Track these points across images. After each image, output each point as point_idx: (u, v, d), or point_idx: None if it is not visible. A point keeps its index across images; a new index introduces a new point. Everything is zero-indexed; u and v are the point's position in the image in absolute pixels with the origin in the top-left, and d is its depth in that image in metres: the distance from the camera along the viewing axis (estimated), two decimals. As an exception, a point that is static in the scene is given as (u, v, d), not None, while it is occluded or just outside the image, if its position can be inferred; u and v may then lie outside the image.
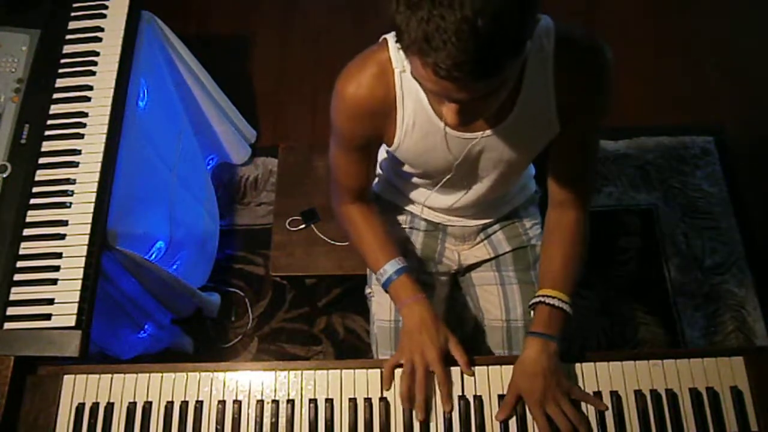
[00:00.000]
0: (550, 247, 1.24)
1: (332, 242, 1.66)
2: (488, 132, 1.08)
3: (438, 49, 0.77)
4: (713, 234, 2.15)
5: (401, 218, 1.45)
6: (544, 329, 1.14)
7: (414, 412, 1.13)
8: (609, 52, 1.05)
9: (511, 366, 1.16)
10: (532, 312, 1.21)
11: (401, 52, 1.03)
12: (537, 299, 1.18)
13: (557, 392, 1.11)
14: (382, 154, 1.38)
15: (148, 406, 1.16)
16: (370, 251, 1.27)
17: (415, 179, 1.29)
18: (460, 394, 1.15)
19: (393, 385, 1.17)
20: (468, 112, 0.91)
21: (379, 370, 1.17)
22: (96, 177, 1.33)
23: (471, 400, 1.15)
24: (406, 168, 1.23)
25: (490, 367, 1.17)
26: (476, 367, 1.17)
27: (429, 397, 1.14)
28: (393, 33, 1.04)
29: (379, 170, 1.44)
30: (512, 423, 1.13)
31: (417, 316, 1.18)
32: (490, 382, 1.16)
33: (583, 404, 1.14)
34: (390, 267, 1.22)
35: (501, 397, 1.14)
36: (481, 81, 0.82)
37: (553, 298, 1.16)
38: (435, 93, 0.88)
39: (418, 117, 1.08)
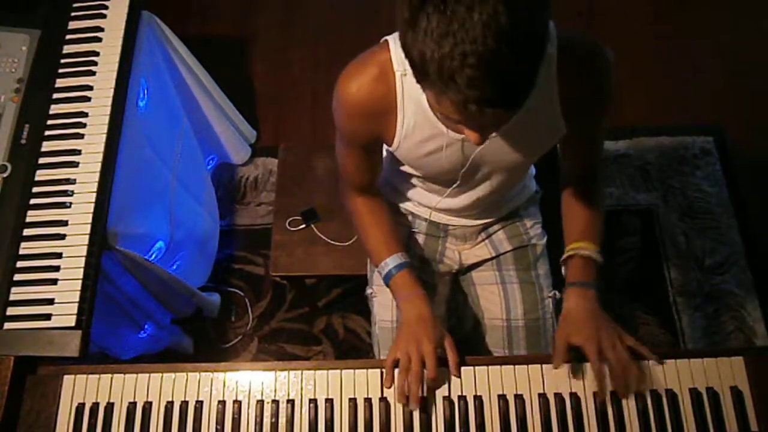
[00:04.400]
0: (571, 211, 1.27)
1: (332, 242, 1.66)
2: (492, 135, 1.08)
3: (468, 88, 0.76)
4: (713, 234, 2.15)
5: (402, 219, 1.45)
6: (580, 278, 1.19)
7: (410, 405, 1.13)
8: (609, 55, 1.06)
9: (512, 366, 1.16)
10: (563, 268, 1.24)
11: (400, 56, 1.02)
12: (568, 253, 1.22)
13: (612, 334, 1.14)
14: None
15: (148, 406, 1.16)
16: (373, 244, 1.28)
17: (414, 180, 1.30)
18: (460, 394, 1.15)
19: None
20: (490, 129, 0.92)
21: (379, 370, 1.17)
22: (96, 177, 1.33)
23: (471, 400, 1.15)
24: (406, 168, 1.23)
25: (490, 367, 1.17)
26: (476, 367, 1.17)
27: (445, 399, 1.14)
28: (394, 35, 1.05)
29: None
30: (512, 423, 1.13)
31: (415, 310, 1.19)
32: (490, 382, 1.16)
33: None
34: (391, 261, 1.24)
35: (501, 397, 1.14)
36: (513, 110, 0.82)
37: (584, 249, 1.20)
38: (461, 123, 0.87)
39: (419, 120, 1.08)
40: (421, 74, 0.81)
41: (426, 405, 1.14)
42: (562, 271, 1.25)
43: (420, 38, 0.77)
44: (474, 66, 0.75)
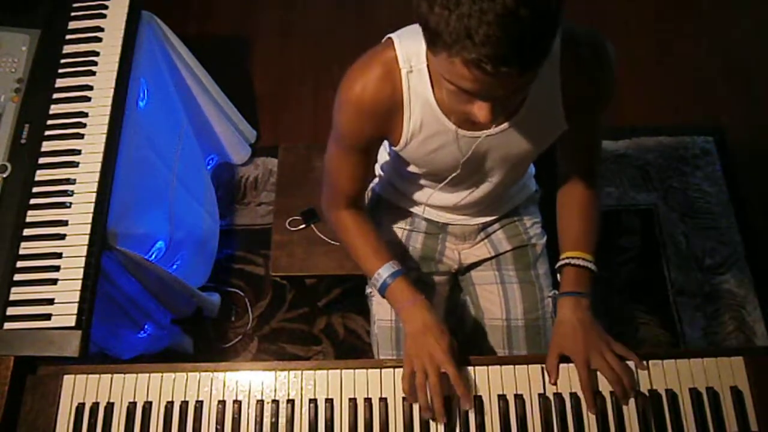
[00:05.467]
0: (566, 214, 1.27)
1: (332, 242, 1.66)
2: (496, 129, 1.08)
3: (483, 45, 0.76)
4: (713, 234, 2.15)
5: (402, 219, 1.45)
6: (574, 288, 1.19)
7: (438, 419, 1.11)
8: (611, 48, 1.07)
9: (512, 366, 1.16)
10: (558, 276, 1.24)
11: (405, 53, 1.03)
12: (562, 262, 1.22)
13: (600, 343, 1.14)
14: (382, 156, 1.38)
15: (148, 406, 1.16)
16: (364, 257, 1.26)
17: (419, 179, 1.29)
18: (460, 394, 1.15)
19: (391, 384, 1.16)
20: (498, 107, 0.91)
21: (379, 370, 1.17)
22: (96, 177, 1.33)
23: (471, 400, 1.14)
24: (411, 168, 1.22)
25: (490, 367, 1.17)
26: (476, 367, 1.17)
27: (446, 399, 1.13)
28: (398, 32, 1.05)
29: (380, 171, 1.44)
30: (512, 423, 1.13)
31: (419, 319, 1.16)
32: (490, 382, 1.16)
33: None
34: (384, 271, 1.21)
35: (501, 397, 1.14)
36: (526, 73, 0.81)
37: (578, 258, 1.21)
38: (473, 92, 0.86)
39: (426, 117, 1.07)
40: (436, 38, 0.80)
41: (445, 408, 1.11)
42: (558, 277, 1.25)
43: (438, 1, 0.77)
44: (491, 23, 0.75)
